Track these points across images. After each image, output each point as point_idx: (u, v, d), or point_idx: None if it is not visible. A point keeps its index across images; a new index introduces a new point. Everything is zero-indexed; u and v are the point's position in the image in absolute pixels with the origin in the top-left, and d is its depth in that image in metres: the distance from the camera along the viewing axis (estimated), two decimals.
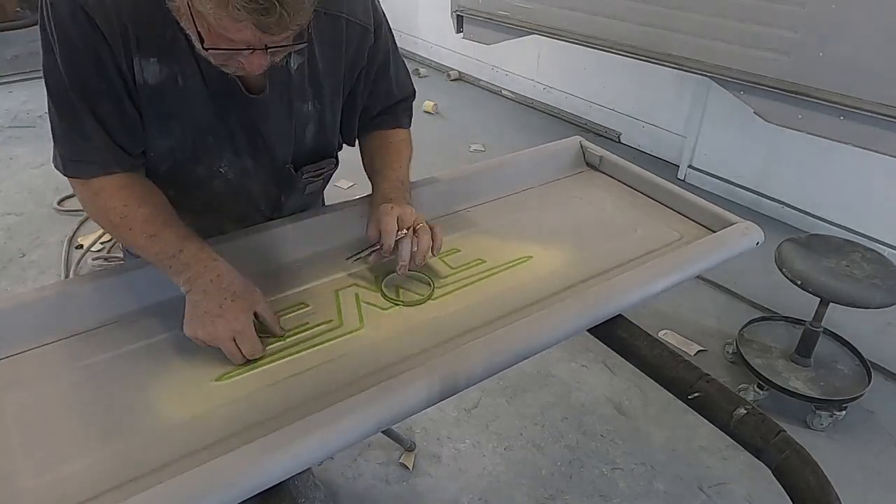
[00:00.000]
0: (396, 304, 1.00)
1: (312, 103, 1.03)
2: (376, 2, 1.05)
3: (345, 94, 1.07)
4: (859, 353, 2.15)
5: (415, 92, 1.20)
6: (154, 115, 0.92)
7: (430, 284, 1.04)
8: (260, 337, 0.88)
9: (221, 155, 1.01)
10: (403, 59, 1.16)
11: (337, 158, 1.16)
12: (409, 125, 1.21)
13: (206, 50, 0.78)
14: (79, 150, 0.90)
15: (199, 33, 0.76)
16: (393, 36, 1.11)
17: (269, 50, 0.79)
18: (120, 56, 0.85)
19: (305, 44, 0.84)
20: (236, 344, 0.85)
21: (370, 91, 1.11)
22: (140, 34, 0.85)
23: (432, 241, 1.00)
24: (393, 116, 1.17)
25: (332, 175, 1.19)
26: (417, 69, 4.94)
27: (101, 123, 0.88)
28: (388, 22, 1.09)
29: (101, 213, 0.93)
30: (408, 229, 0.99)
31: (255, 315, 0.88)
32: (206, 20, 0.74)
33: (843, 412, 2.02)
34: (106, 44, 0.84)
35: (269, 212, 1.15)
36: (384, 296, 1.02)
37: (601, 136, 3.94)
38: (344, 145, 1.19)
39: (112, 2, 0.83)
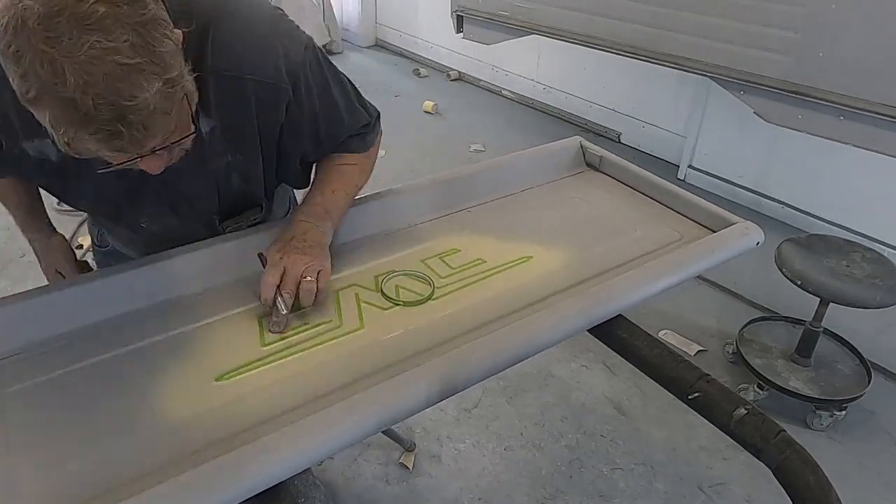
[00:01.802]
0: (396, 304, 1.00)
1: (232, 155, 0.97)
2: (291, 50, 0.92)
3: (269, 148, 0.99)
4: (859, 353, 2.15)
5: (371, 119, 1.09)
6: (63, 186, 0.95)
7: (430, 284, 1.04)
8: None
9: (139, 214, 1.02)
10: (344, 83, 1.04)
11: (263, 207, 1.11)
12: (365, 148, 1.10)
13: (100, 172, 0.76)
14: None
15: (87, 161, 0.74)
16: (325, 76, 0.99)
17: (156, 152, 0.74)
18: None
19: (194, 133, 0.79)
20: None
21: (308, 138, 1.01)
22: (26, 122, 0.79)
23: (317, 292, 0.94)
24: (343, 146, 1.08)
25: (261, 220, 1.13)
26: (417, 69, 4.94)
27: None
28: (318, 63, 0.97)
29: None
30: (287, 292, 0.92)
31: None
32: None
33: (843, 412, 2.02)
34: None
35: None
36: (384, 296, 1.02)
37: (601, 136, 3.94)
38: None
39: None
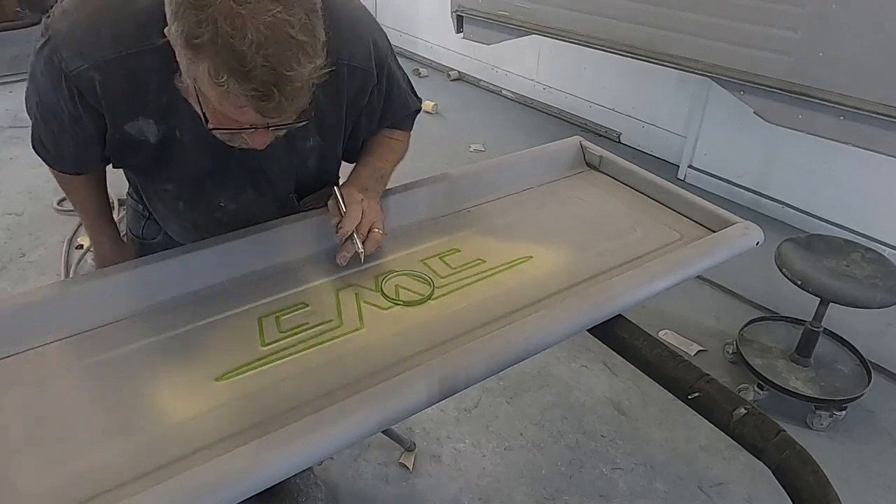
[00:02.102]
0: (396, 304, 1.01)
1: (314, 139, 1.05)
2: (378, 39, 1.04)
3: (348, 129, 1.09)
4: (859, 353, 2.15)
5: (420, 106, 1.21)
6: (155, 166, 1.00)
7: (430, 284, 1.04)
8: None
9: (221, 194, 1.07)
10: (404, 71, 1.15)
11: (338, 181, 1.18)
12: (410, 129, 1.22)
13: (211, 130, 0.81)
14: (55, 157, 1.03)
15: (204, 114, 0.79)
16: (396, 64, 1.11)
17: (270, 128, 0.81)
18: (104, 123, 0.91)
19: (306, 121, 0.85)
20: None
21: (376, 120, 1.13)
22: (134, 102, 0.89)
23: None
24: (396, 123, 1.19)
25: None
26: (418, 69, 4.94)
27: (74, 150, 0.99)
28: (391, 51, 1.09)
29: (60, 184, 1.13)
30: (361, 234, 1.02)
31: None
32: (210, 102, 0.77)
33: (843, 412, 2.02)
34: (90, 111, 0.89)
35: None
36: (384, 296, 1.02)
37: (601, 136, 3.94)
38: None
39: (102, 77, 0.85)
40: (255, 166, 1.03)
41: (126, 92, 0.87)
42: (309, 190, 1.16)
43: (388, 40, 1.08)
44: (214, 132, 0.82)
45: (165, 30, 0.75)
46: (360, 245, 1.01)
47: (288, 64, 0.72)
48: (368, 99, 1.06)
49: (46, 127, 0.96)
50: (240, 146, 0.87)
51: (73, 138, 0.95)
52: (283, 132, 0.86)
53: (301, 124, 0.84)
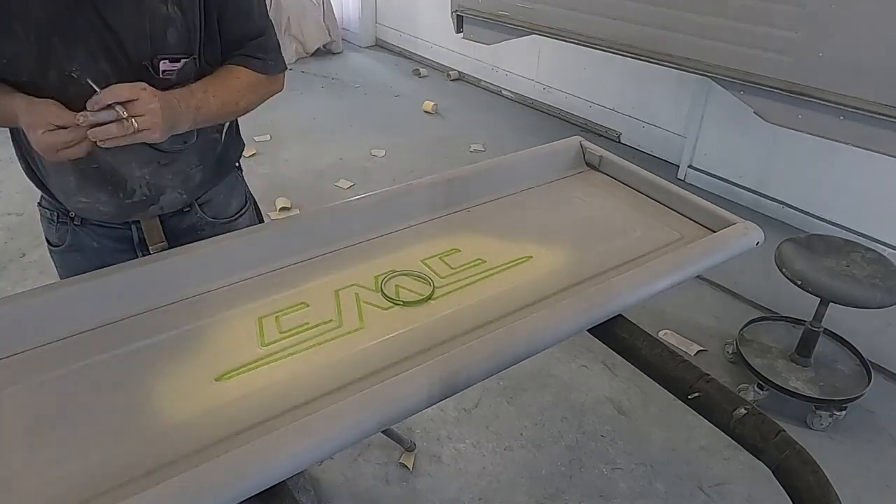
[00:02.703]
0: (396, 304, 1.00)
1: (171, 6, 0.98)
2: None
3: (205, 9, 1.03)
4: (859, 353, 2.15)
5: (267, 31, 1.13)
6: None
7: (430, 284, 1.04)
8: None
9: (71, 57, 0.96)
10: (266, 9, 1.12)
11: (198, 61, 1.06)
12: (262, 69, 1.12)
13: None
14: None
15: None
16: None
17: None
18: None
19: None
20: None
21: (224, 14, 1.06)
22: None
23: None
24: (242, 56, 1.10)
25: (192, 79, 1.06)
26: (418, 69, 4.95)
27: None
28: None
29: None
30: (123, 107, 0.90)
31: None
32: None
33: (843, 412, 2.02)
34: None
35: None
36: (384, 296, 1.02)
37: (601, 136, 3.94)
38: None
39: None
40: (104, 22, 0.94)
41: None
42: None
43: None
44: None
45: None
46: (123, 112, 0.89)
47: None
48: None
49: None
50: None
51: None
52: None
53: None
